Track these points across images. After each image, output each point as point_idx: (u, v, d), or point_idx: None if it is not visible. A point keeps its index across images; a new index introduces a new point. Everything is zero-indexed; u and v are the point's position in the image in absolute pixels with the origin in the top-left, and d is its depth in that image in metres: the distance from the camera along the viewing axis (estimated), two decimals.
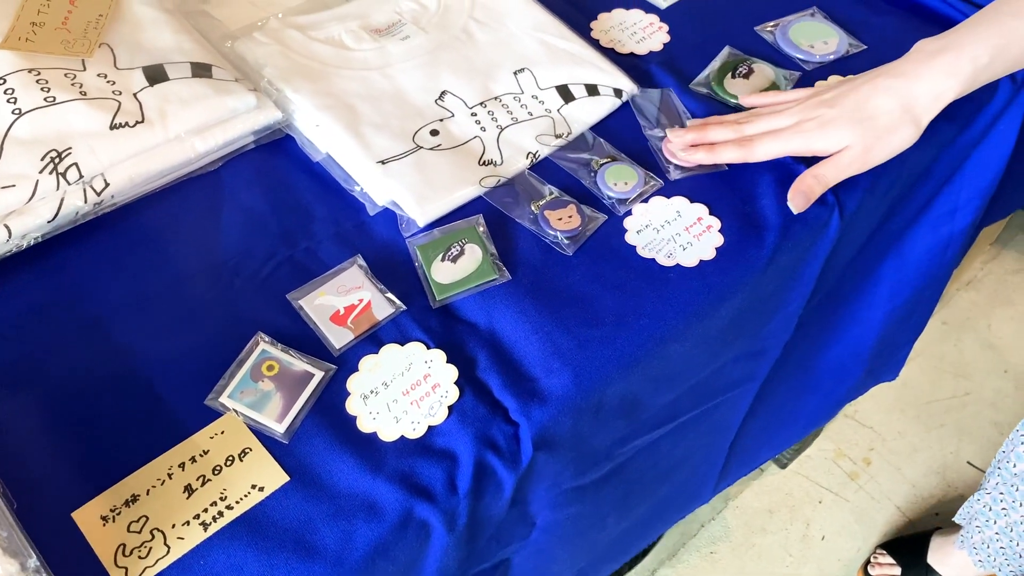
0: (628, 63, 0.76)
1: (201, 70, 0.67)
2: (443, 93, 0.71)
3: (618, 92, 0.72)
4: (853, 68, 0.76)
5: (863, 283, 0.90)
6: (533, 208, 0.66)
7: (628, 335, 0.60)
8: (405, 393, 0.56)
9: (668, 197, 0.67)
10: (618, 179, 0.67)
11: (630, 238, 0.65)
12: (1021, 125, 0.80)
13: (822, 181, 0.65)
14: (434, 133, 0.68)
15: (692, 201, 0.67)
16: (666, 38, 0.79)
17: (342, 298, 0.60)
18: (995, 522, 1.07)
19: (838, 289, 0.85)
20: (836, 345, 0.95)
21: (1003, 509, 1.05)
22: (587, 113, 0.72)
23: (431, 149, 0.67)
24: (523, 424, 0.55)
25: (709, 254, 0.64)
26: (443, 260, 0.62)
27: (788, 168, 0.68)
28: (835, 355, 0.96)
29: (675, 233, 0.65)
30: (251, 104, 0.66)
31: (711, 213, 0.66)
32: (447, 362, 0.57)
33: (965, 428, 1.46)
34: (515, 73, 0.73)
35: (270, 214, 0.65)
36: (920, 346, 1.55)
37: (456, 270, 0.61)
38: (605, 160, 0.69)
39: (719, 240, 0.64)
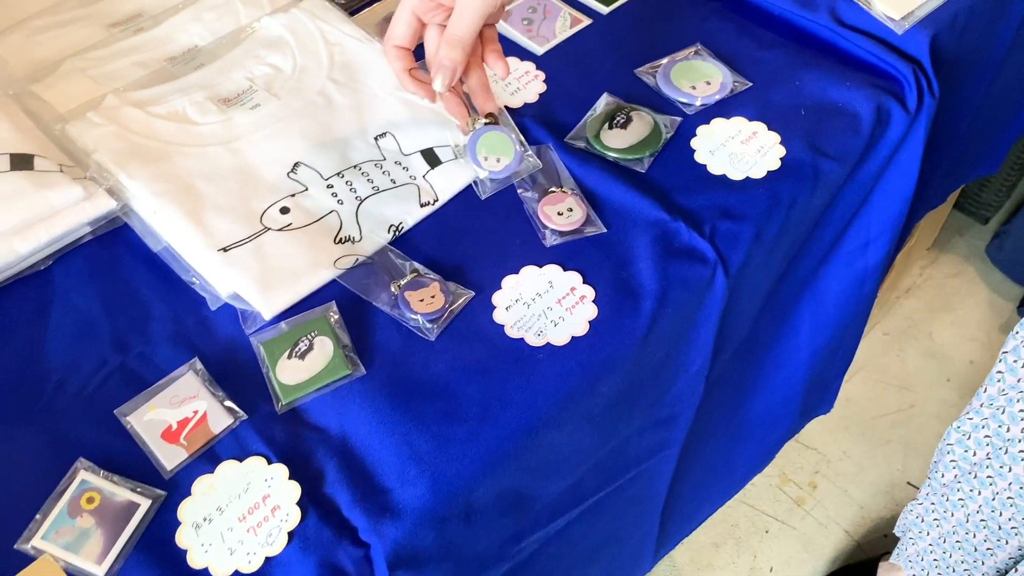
0: None
1: (21, 162, 0.61)
2: (296, 165, 0.66)
3: None
4: (738, 108, 0.72)
5: (780, 328, 0.86)
6: (393, 289, 0.60)
7: (494, 429, 0.55)
8: (241, 519, 0.50)
9: (540, 266, 0.62)
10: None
11: (498, 316, 0.60)
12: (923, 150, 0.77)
13: (453, 41, 0.60)
14: (284, 211, 0.63)
15: (565, 269, 0.62)
16: (542, 87, 0.74)
17: (175, 411, 0.54)
18: (928, 533, 1.05)
19: (754, 338, 0.81)
20: (763, 392, 0.91)
21: (935, 520, 1.03)
22: (456, 178, 0.67)
23: (280, 230, 0.62)
24: (375, 544, 0.50)
25: (581, 329, 0.59)
26: (290, 357, 0.56)
27: (665, 226, 0.64)
28: (763, 402, 0.92)
29: (546, 307, 0.60)
30: (77, 196, 0.61)
31: (585, 282, 0.61)
32: (289, 479, 0.52)
33: (911, 443, 1.43)
34: (376, 138, 0.68)
35: (103, 316, 0.59)
36: (862, 359, 1.53)
37: (304, 368, 0.56)
38: None
39: (592, 312, 0.60)
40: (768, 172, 0.67)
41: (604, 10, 0.80)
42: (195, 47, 0.74)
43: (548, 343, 0.58)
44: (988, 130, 1.04)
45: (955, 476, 0.98)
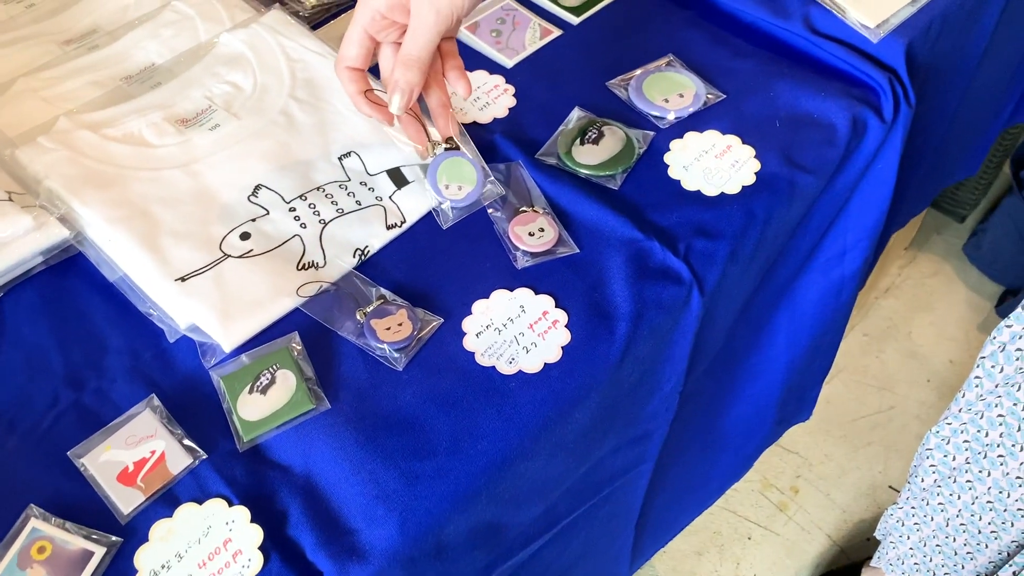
0: (470, 135, 0.69)
1: None
2: (257, 188, 0.64)
3: None
4: (712, 121, 0.71)
5: (757, 339, 0.84)
6: (359, 317, 0.58)
7: (465, 463, 0.53)
8: (202, 565, 0.48)
9: (511, 290, 0.61)
10: None
11: (469, 343, 0.58)
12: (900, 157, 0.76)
13: (408, 61, 0.58)
14: (245, 237, 0.61)
15: (537, 292, 0.60)
16: (512, 102, 0.72)
17: (131, 451, 0.52)
18: (908, 537, 1.05)
19: (729, 350, 0.79)
20: (739, 403, 0.90)
21: (915, 524, 1.03)
22: (423, 198, 0.65)
23: (240, 257, 0.60)
24: None
25: (554, 355, 0.57)
26: (251, 392, 0.54)
27: (639, 245, 0.62)
28: (739, 413, 0.91)
29: (518, 333, 0.58)
30: (26, 226, 0.58)
31: (557, 305, 0.60)
32: (251, 522, 0.50)
33: (892, 444, 1.43)
34: (340, 158, 0.66)
35: (56, 350, 0.57)
36: (842, 361, 1.52)
37: (266, 403, 0.54)
38: None
39: (566, 337, 0.58)
40: (743, 187, 0.66)
41: (575, 20, 0.79)
42: (152, 65, 0.71)
43: (520, 371, 0.57)
44: (966, 134, 1.03)
45: (935, 481, 0.98)
